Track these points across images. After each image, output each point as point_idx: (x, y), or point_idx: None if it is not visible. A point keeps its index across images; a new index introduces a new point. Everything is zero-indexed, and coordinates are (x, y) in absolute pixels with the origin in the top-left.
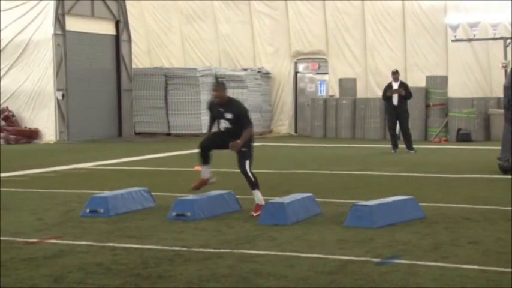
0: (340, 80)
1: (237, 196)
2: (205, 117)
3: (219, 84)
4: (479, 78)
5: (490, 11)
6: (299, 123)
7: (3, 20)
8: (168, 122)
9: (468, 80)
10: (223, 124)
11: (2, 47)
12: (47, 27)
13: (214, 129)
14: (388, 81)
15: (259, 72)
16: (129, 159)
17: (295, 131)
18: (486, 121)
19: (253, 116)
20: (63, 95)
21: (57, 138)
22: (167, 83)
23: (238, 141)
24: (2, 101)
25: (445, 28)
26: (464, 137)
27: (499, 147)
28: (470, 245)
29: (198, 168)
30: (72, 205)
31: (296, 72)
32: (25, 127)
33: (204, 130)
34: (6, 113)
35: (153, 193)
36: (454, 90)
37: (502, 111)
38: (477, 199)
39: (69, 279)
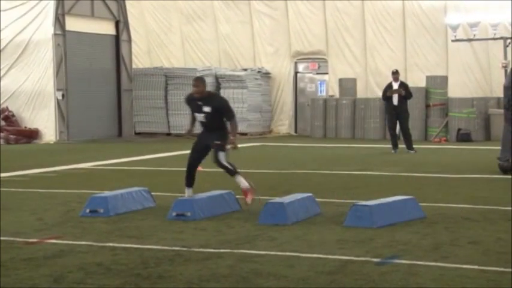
0: (340, 80)
1: (237, 196)
2: None
3: (199, 79)
4: (479, 78)
5: (490, 11)
6: (299, 123)
7: (3, 20)
8: (168, 122)
9: (468, 80)
10: (200, 118)
11: (2, 47)
12: (47, 27)
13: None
14: (388, 81)
15: (259, 72)
16: (129, 159)
17: (295, 131)
18: (486, 121)
19: (253, 116)
20: (63, 95)
21: (57, 138)
22: (167, 83)
23: (231, 137)
24: (2, 101)
25: (445, 28)
26: (464, 137)
27: (499, 147)
28: (470, 245)
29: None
30: (72, 205)
31: (296, 72)
32: (25, 127)
33: None
34: (6, 113)
35: (153, 193)
36: (454, 90)
37: (502, 111)
38: (477, 199)
39: (69, 279)
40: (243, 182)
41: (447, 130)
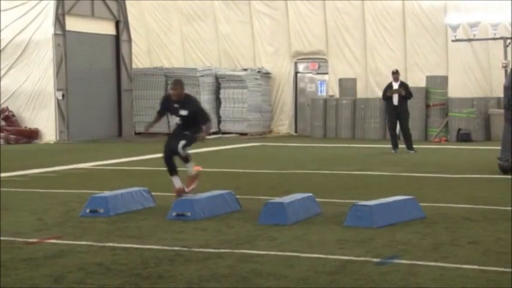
0: (340, 80)
1: (237, 196)
2: None
3: (178, 83)
4: (479, 78)
5: (490, 11)
6: (299, 123)
7: (3, 20)
8: (168, 122)
9: (468, 80)
10: (176, 120)
11: (2, 47)
12: (47, 27)
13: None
14: (388, 81)
15: (259, 72)
16: (129, 159)
17: (295, 131)
18: (486, 121)
19: (253, 116)
20: (63, 95)
21: (57, 138)
22: (167, 83)
23: (202, 133)
24: (2, 101)
25: (445, 28)
26: (464, 137)
27: (499, 147)
28: (470, 245)
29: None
30: (72, 205)
31: (296, 72)
32: (25, 127)
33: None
34: (6, 113)
35: (153, 193)
36: (454, 90)
37: (502, 111)
38: (477, 199)
39: (69, 279)
40: (191, 171)
41: (447, 130)
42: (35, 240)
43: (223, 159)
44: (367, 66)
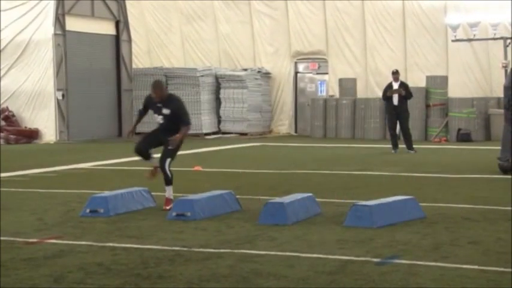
0: (340, 80)
1: (237, 196)
2: (205, 117)
3: (156, 86)
4: (479, 78)
5: (490, 11)
6: (299, 123)
7: (3, 20)
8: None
9: (468, 80)
10: (158, 119)
11: (2, 47)
12: (47, 27)
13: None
14: (388, 81)
15: (259, 72)
16: (129, 159)
17: (295, 131)
18: (486, 121)
19: (253, 116)
20: (63, 95)
21: (57, 138)
22: (167, 83)
23: (177, 135)
24: (2, 101)
25: (445, 28)
26: (464, 137)
27: (499, 147)
28: (470, 245)
29: (197, 168)
30: (72, 205)
31: (296, 72)
32: (25, 127)
33: (205, 130)
34: (6, 113)
35: (153, 193)
36: (454, 90)
37: (502, 111)
38: (477, 199)
39: (69, 279)
40: (170, 194)
41: (447, 130)
42: (35, 240)
43: (223, 159)
44: (367, 66)
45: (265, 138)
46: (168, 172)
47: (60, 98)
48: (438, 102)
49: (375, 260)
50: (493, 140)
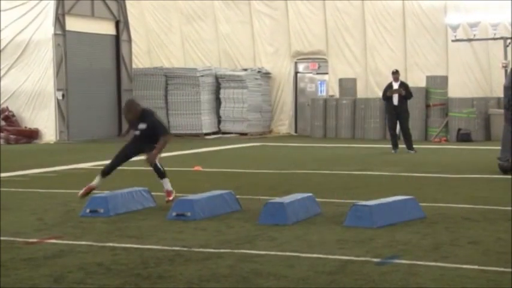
0: (340, 80)
1: (237, 196)
2: (205, 117)
3: (126, 108)
4: (479, 78)
5: (490, 11)
6: (299, 123)
7: (3, 20)
8: (168, 122)
9: (468, 80)
10: (136, 133)
11: (2, 47)
12: (47, 27)
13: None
14: (388, 81)
15: (259, 72)
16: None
17: (295, 131)
18: (486, 121)
19: (253, 116)
20: (63, 95)
21: (57, 138)
22: (167, 83)
23: (154, 151)
24: (2, 101)
25: (445, 28)
26: (464, 137)
27: (499, 147)
28: (470, 245)
29: (197, 168)
30: (72, 205)
31: (296, 72)
32: (25, 127)
33: (205, 130)
34: (6, 113)
35: (153, 193)
36: (454, 90)
37: (502, 111)
38: (477, 199)
39: (69, 279)
40: (169, 185)
41: (447, 130)
42: (35, 240)
43: (223, 159)
44: (367, 66)
45: (265, 138)
46: (160, 166)
47: (60, 98)
48: (438, 102)
49: (375, 260)
50: (493, 140)
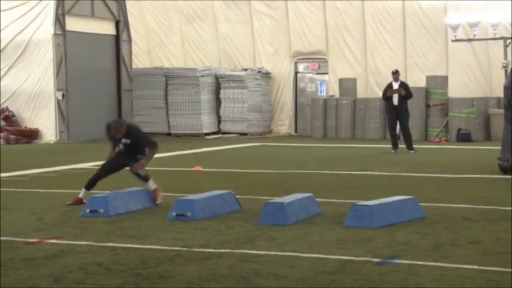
0: (340, 80)
1: (237, 196)
2: (205, 117)
3: (116, 125)
4: (479, 78)
5: (490, 11)
6: (299, 123)
7: (3, 20)
8: (168, 122)
9: (468, 80)
10: (120, 147)
11: (2, 47)
12: (47, 27)
13: None
14: (388, 81)
15: (259, 72)
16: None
17: (295, 131)
18: (486, 121)
19: (253, 116)
20: (63, 95)
21: (57, 138)
22: (167, 83)
23: (143, 161)
24: (2, 101)
25: (445, 28)
26: (464, 137)
27: (499, 147)
28: (470, 245)
29: (197, 168)
30: (73, 205)
31: (296, 72)
32: (25, 127)
33: (205, 130)
34: (6, 113)
35: None
36: (454, 90)
37: (502, 111)
38: (477, 199)
39: (69, 279)
40: (154, 185)
41: (447, 130)
42: (35, 240)
43: (223, 159)
44: (367, 66)
45: (265, 138)
46: (142, 172)
47: (60, 98)
48: (438, 102)
49: (375, 260)
50: (493, 140)
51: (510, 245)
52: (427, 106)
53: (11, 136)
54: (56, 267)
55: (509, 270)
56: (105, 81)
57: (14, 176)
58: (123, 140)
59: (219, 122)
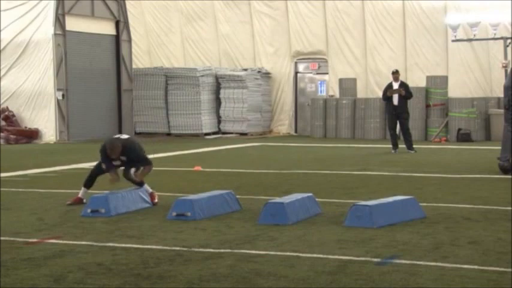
0: (340, 80)
1: (237, 196)
2: (205, 117)
3: (113, 148)
4: (479, 78)
5: (490, 11)
6: (299, 123)
7: (3, 20)
8: (168, 122)
9: (468, 80)
10: (116, 163)
11: (2, 47)
12: (47, 27)
13: None
14: (388, 81)
15: (259, 72)
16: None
17: (295, 131)
18: (486, 121)
19: (253, 116)
20: (63, 95)
21: (57, 138)
22: (167, 83)
23: (139, 175)
24: (2, 101)
25: (445, 28)
26: (464, 137)
27: (499, 147)
28: (470, 245)
29: (197, 168)
30: (73, 205)
31: (296, 72)
32: (25, 127)
33: (205, 130)
34: (6, 113)
35: None
36: (454, 90)
37: (502, 111)
38: (477, 199)
39: (69, 279)
40: (149, 188)
41: (447, 130)
42: (35, 240)
43: (223, 159)
44: (367, 66)
45: (265, 138)
46: (134, 177)
47: (60, 98)
48: (438, 102)
49: (375, 260)
50: (493, 140)
51: (510, 245)
52: (427, 106)
53: (11, 136)
54: (56, 267)
55: (509, 270)
56: (105, 81)
57: (14, 176)
58: (121, 157)
59: (219, 122)
